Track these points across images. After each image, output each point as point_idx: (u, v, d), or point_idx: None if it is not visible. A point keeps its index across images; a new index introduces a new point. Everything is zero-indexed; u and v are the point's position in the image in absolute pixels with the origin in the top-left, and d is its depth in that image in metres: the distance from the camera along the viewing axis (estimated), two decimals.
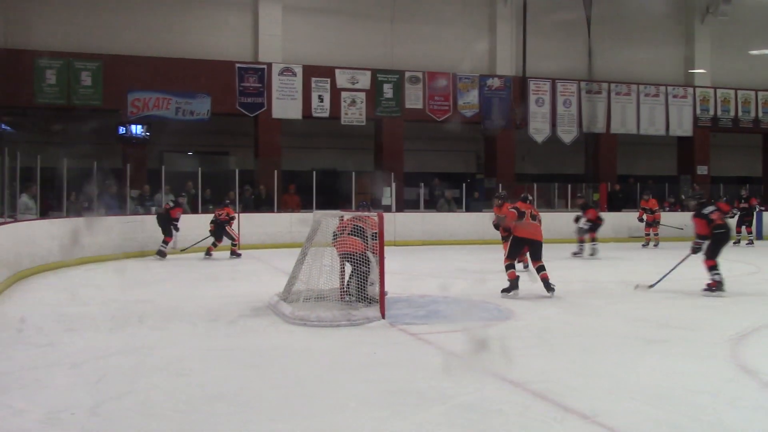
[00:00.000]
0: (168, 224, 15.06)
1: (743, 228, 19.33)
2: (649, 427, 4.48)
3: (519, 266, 10.74)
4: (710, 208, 9.92)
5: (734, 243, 18.44)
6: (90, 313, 8.57)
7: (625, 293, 10.26)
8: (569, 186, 22.14)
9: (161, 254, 15.04)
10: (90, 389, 5.28)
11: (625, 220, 20.61)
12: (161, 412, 4.76)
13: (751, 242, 19.30)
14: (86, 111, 19.32)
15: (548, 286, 9.61)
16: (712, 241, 9.81)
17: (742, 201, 19.53)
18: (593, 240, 15.92)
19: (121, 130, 19.70)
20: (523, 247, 10.12)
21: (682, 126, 24.93)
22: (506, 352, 6.48)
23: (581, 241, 15.88)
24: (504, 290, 9.71)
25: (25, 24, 18.75)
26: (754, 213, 20.08)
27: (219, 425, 4.54)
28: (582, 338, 7.17)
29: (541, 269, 9.76)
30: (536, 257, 9.82)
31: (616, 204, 22.48)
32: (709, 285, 9.78)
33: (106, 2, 19.84)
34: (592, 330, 7.62)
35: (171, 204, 15.22)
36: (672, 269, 10.20)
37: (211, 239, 15.28)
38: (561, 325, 7.89)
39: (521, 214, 9.81)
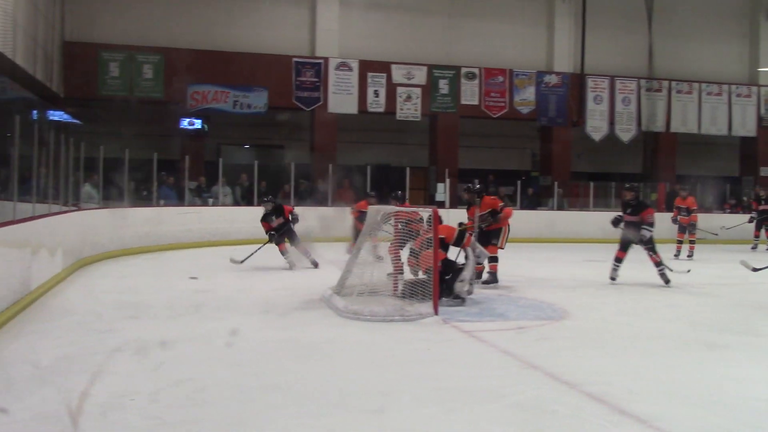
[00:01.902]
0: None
1: (762, 231, 18.18)
2: None
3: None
4: None
5: (752, 248, 17.84)
6: (149, 302, 8.76)
7: (685, 296, 10.04)
8: (626, 185, 21.70)
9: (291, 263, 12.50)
10: (149, 376, 5.40)
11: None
12: (218, 400, 4.85)
13: None
14: (147, 103, 19.75)
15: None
16: None
17: (762, 202, 18.20)
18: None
19: (181, 122, 20.04)
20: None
21: (746, 126, 24.24)
22: (561, 352, 6.41)
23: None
24: (485, 282, 10.02)
25: (90, 18, 19.21)
26: None
27: (274, 415, 4.59)
28: (640, 340, 7.04)
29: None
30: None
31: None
32: None
33: None
34: (651, 332, 7.46)
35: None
36: None
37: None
38: (618, 327, 7.76)
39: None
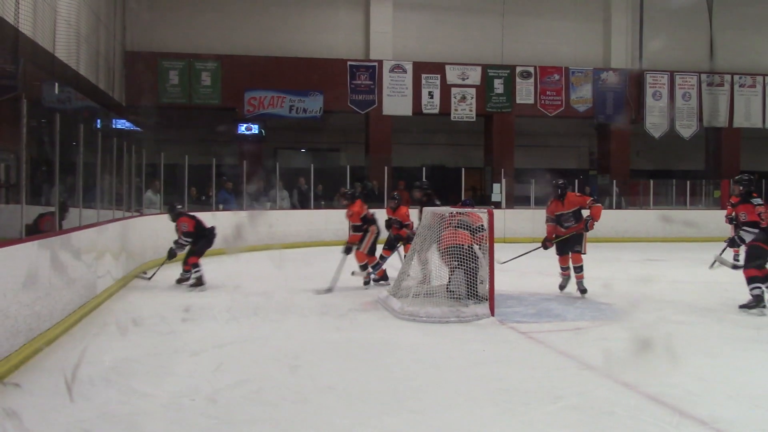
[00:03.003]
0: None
1: None
2: None
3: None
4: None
5: None
6: (208, 304, 8.92)
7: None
8: (688, 183, 21.23)
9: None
10: (208, 377, 5.51)
11: None
12: (275, 401, 4.92)
13: None
14: (206, 110, 20.16)
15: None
16: None
17: None
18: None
19: (239, 127, 20.37)
20: None
21: None
22: (620, 353, 6.30)
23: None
24: (582, 291, 9.49)
25: (149, 27, 19.68)
26: None
27: (331, 417, 4.64)
28: (701, 341, 6.88)
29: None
30: None
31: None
32: None
33: (224, 5, 20.55)
34: (713, 333, 7.29)
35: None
36: None
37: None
38: (679, 327, 7.58)
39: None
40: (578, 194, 10.09)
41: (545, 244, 9.60)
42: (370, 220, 10.50)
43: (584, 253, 9.49)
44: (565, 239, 9.46)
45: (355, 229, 10.53)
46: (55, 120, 7.33)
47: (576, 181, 20.57)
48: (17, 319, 5.71)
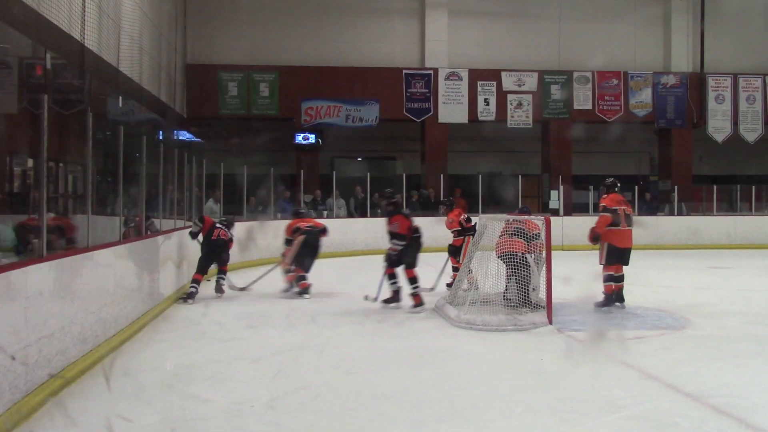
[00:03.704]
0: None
1: None
2: None
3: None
4: None
5: None
6: (266, 312, 9.06)
7: None
8: (753, 188, 20.64)
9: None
10: (267, 384, 5.60)
11: None
12: (332, 408, 4.96)
13: None
14: (264, 120, 20.48)
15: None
16: None
17: None
18: None
19: (296, 137, 20.63)
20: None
21: None
22: (682, 363, 6.17)
23: None
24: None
25: (209, 40, 20.13)
26: None
27: (387, 424, 4.66)
28: (766, 350, 6.67)
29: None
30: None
31: None
32: None
33: (281, 17, 20.85)
34: None
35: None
36: None
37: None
38: (743, 336, 7.37)
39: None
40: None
41: None
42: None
43: (600, 263, 8.97)
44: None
45: (459, 233, 10.50)
46: (119, 132, 7.56)
47: (636, 187, 20.24)
48: (83, 326, 5.90)
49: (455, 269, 10.37)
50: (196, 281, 10.07)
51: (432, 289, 10.26)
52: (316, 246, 10.63)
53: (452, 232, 10.62)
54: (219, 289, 10.50)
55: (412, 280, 9.11)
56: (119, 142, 7.48)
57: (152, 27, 15.54)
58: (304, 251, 10.42)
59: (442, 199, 11.39)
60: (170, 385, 5.56)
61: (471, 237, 9.97)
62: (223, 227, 10.62)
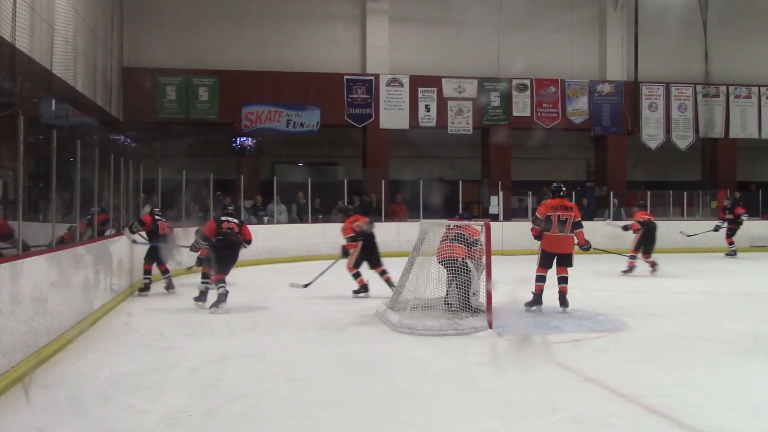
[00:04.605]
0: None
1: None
2: None
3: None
4: None
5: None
6: (206, 319, 8.92)
7: (747, 306, 9.77)
8: (684, 193, 21.28)
9: None
10: (206, 392, 5.50)
11: (746, 229, 19.55)
12: (273, 416, 4.91)
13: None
14: (203, 125, 20.21)
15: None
16: None
17: (727, 212, 17.86)
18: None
19: (236, 142, 20.42)
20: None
21: None
22: (618, 365, 6.31)
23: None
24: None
25: (146, 43, 19.77)
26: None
27: (329, 431, 4.63)
28: (700, 352, 6.86)
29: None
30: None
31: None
32: None
33: (221, 21, 20.64)
34: (711, 344, 7.26)
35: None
36: None
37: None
38: (677, 338, 7.58)
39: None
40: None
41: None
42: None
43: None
44: None
45: (352, 239, 10.93)
46: (53, 137, 7.35)
47: (573, 192, 20.61)
48: (14, 336, 5.71)
49: (355, 276, 10.86)
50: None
51: (307, 286, 10.91)
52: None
53: (346, 238, 10.98)
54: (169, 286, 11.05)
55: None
56: (52, 146, 7.27)
57: (88, 29, 15.19)
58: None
59: (344, 205, 12.38)
60: (106, 396, 5.42)
61: (361, 242, 10.72)
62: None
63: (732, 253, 17.62)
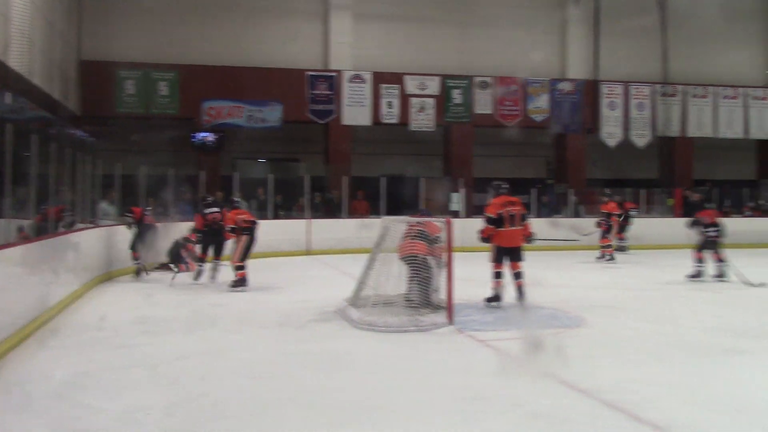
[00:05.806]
0: None
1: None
2: None
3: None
4: None
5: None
6: (165, 316, 8.82)
7: (704, 302, 9.97)
8: (641, 191, 21.62)
9: None
10: (164, 390, 5.44)
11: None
12: (233, 414, 4.87)
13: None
14: (163, 120, 19.95)
15: None
16: None
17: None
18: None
19: (196, 137, 20.21)
20: None
21: (763, 128, 24.04)
22: (576, 361, 6.38)
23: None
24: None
25: (106, 36, 19.43)
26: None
27: (290, 429, 4.61)
28: (657, 347, 6.98)
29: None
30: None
31: (692, 210, 21.76)
32: None
33: (182, 15, 20.41)
34: (668, 339, 7.38)
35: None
36: None
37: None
38: (634, 334, 7.70)
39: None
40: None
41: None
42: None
43: (490, 262, 9.59)
44: None
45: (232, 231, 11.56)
46: (7, 131, 7.20)
47: (532, 190, 20.82)
48: None
49: (238, 268, 11.31)
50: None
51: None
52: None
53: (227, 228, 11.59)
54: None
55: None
56: (6, 140, 7.12)
57: (45, 21, 14.88)
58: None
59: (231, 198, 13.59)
60: (61, 395, 5.32)
61: (247, 236, 11.32)
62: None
63: (622, 249, 17.46)
